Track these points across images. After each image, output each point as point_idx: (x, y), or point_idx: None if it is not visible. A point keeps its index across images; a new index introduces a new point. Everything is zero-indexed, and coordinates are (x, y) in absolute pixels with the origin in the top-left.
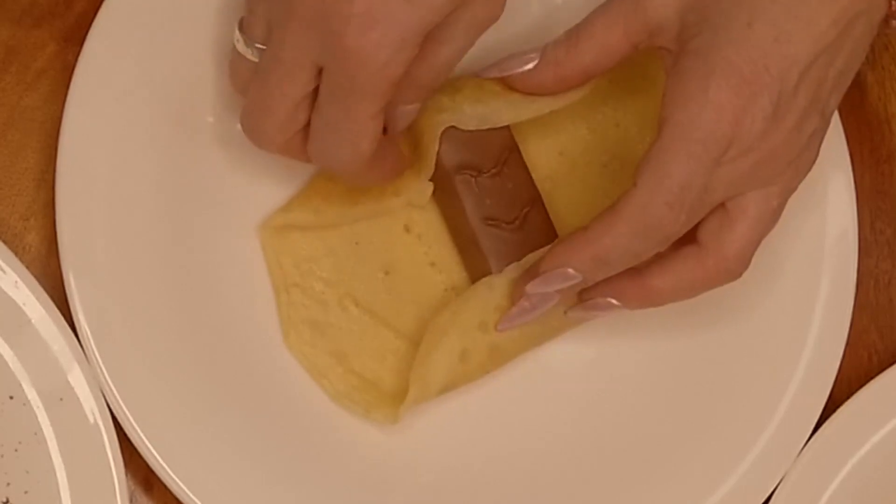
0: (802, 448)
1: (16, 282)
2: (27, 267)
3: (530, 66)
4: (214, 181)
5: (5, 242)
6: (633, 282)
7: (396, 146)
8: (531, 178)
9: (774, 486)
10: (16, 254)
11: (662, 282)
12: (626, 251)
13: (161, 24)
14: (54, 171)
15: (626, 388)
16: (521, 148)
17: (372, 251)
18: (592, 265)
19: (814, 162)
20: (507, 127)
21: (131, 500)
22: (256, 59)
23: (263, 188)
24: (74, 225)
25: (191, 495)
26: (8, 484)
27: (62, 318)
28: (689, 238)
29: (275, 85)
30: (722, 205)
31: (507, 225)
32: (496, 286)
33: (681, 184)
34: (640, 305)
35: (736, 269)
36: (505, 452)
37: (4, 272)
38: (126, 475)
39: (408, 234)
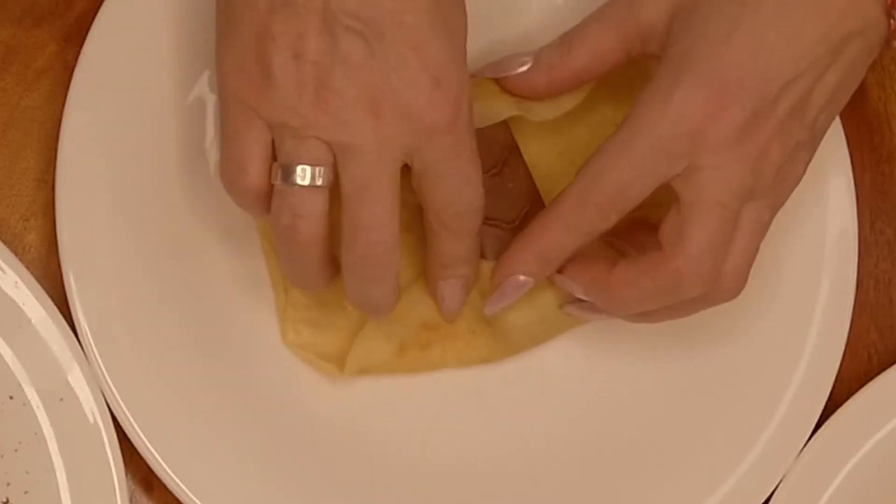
0: (802, 448)
1: (16, 282)
2: (27, 267)
3: (524, 68)
4: (214, 181)
5: (5, 242)
6: (599, 271)
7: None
8: (531, 178)
9: (774, 486)
10: (16, 254)
11: (624, 277)
12: (565, 248)
13: (161, 24)
14: (54, 171)
15: (626, 388)
16: (521, 148)
17: None
18: (537, 264)
19: (800, 178)
20: (508, 127)
21: (131, 500)
22: (325, 184)
23: None
24: (74, 225)
25: (191, 495)
26: (8, 484)
27: (62, 318)
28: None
29: (382, 181)
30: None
31: (507, 225)
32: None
33: (616, 187)
34: (606, 302)
35: (732, 285)
36: (504, 453)
37: (4, 272)
38: (126, 475)
39: (408, 235)
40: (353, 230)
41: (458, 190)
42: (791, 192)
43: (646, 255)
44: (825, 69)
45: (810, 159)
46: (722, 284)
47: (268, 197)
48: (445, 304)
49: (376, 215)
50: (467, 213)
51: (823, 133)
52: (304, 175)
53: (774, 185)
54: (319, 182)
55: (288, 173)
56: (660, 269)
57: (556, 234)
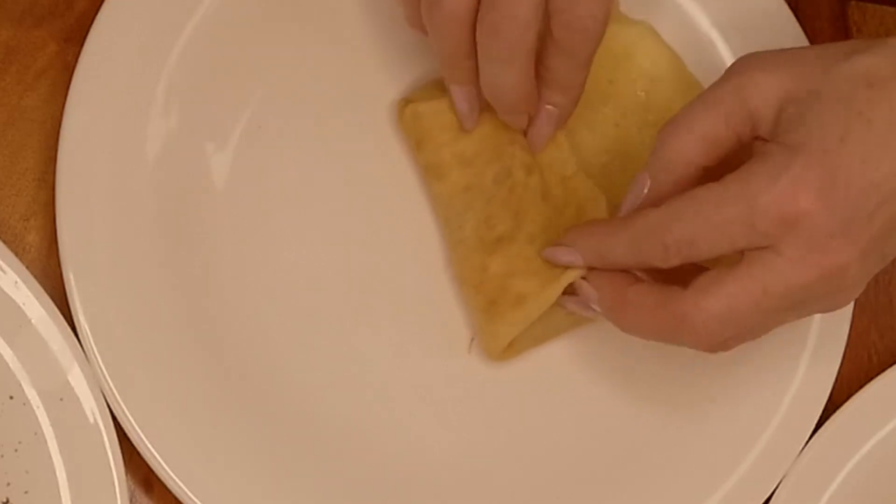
0: (802, 448)
1: (16, 282)
2: (27, 267)
3: (646, 189)
4: (214, 180)
5: (5, 242)
6: (616, 282)
7: None
8: None
9: (774, 486)
10: (16, 254)
11: (637, 300)
12: (618, 259)
13: (161, 24)
14: (54, 171)
15: (627, 387)
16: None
17: None
18: (591, 254)
19: (847, 302)
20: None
21: (131, 500)
22: None
23: (263, 186)
24: (74, 225)
25: (191, 495)
26: (8, 484)
27: (62, 318)
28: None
29: None
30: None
31: None
32: None
33: (689, 236)
34: (614, 320)
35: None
36: (504, 453)
37: (4, 272)
38: (126, 475)
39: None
40: (487, 7)
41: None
42: (835, 309)
43: (666, 288)
44: None
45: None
46: (716, 347)
47: None
48: (531, 131)
49: None
50: (583, 32)
51: (890, 259)
52: None
53: (824, 300)
54: None
55: None
56: (670, 308)
57: (618, 241)
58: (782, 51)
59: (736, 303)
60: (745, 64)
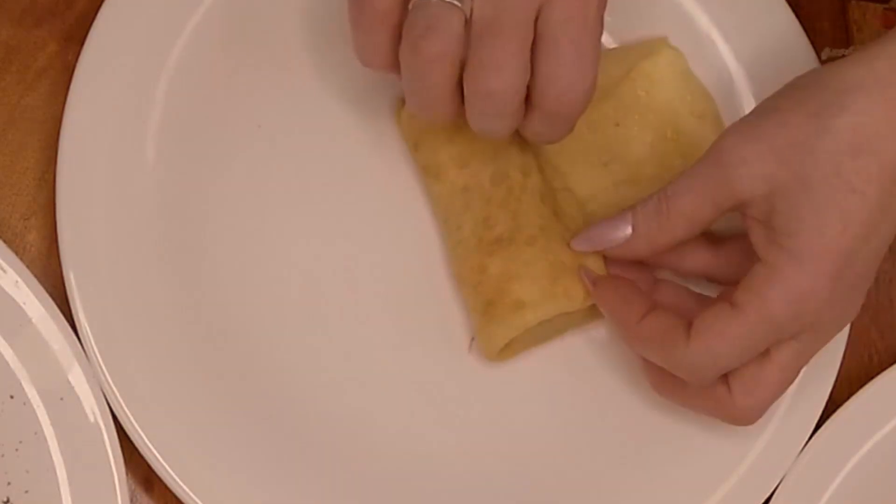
0: (802, 448)
1: (16, 281)
2: (28, 266)
3: (623, 238)
4: (214, 180)
5: (6, 242)
6: (667, 380)
7: None
8: None
9: (774, 486)
10: (16, 253)
11: (690, 399)
12: (649, 358)
13: (161, 24)
14: (54, 170)
15: (627, 386)
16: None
17: None
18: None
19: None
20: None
21: (131, 500)
22: (462, 6)
23: (263, 185)
24: (74, 224)
25: (191, 495)
26: (8, 483)
27: (62, 318)
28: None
29: (511, 21)
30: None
31: None
32: None
33: (723, 365)
34: (656, 390)
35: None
36: (504, 452)
37: (5, 271)
38: (126, 474)
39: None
40: (475, 68)
41: (566, 66)
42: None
43: (714, 391)
44: None
45: None
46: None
47: (395, 28)
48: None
49: (498, 57)
50: (567, 99)
51: None
52: None
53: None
54: (457, 2)
55: None
56: (725, 411)
57: (650, 355)
58: (764, 119)
59: (777, 391)
60: (729, 145)
